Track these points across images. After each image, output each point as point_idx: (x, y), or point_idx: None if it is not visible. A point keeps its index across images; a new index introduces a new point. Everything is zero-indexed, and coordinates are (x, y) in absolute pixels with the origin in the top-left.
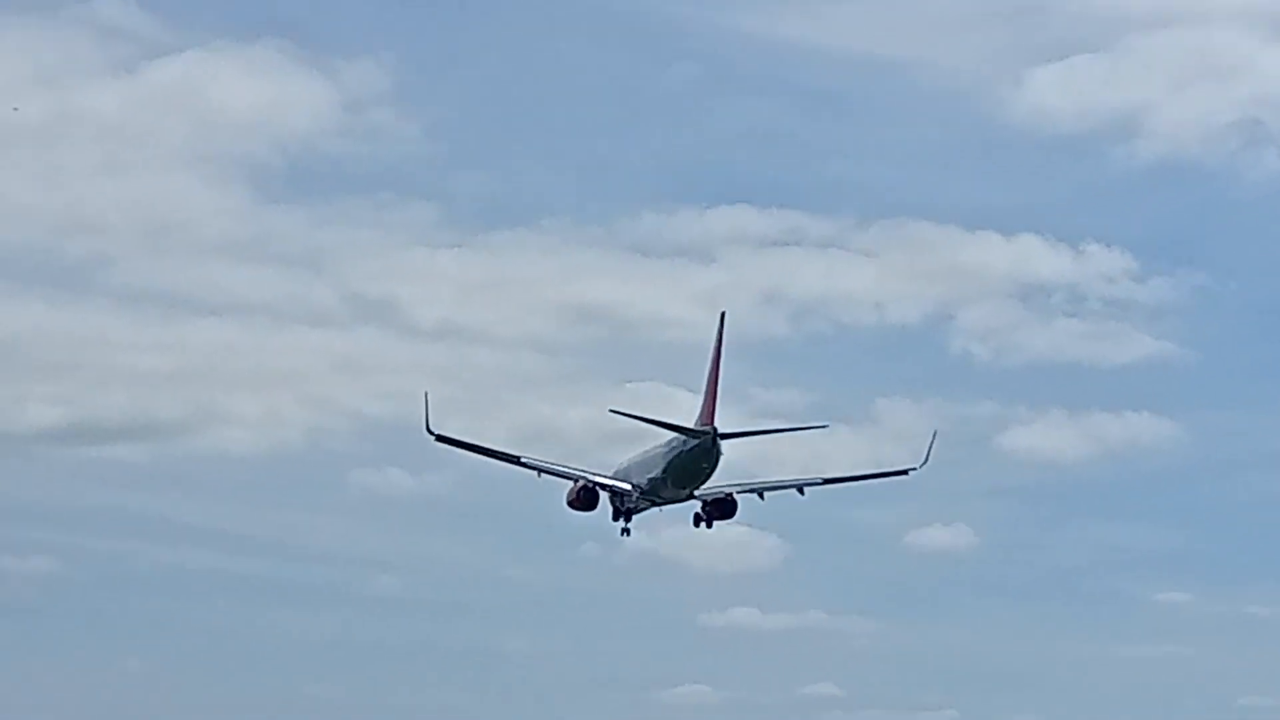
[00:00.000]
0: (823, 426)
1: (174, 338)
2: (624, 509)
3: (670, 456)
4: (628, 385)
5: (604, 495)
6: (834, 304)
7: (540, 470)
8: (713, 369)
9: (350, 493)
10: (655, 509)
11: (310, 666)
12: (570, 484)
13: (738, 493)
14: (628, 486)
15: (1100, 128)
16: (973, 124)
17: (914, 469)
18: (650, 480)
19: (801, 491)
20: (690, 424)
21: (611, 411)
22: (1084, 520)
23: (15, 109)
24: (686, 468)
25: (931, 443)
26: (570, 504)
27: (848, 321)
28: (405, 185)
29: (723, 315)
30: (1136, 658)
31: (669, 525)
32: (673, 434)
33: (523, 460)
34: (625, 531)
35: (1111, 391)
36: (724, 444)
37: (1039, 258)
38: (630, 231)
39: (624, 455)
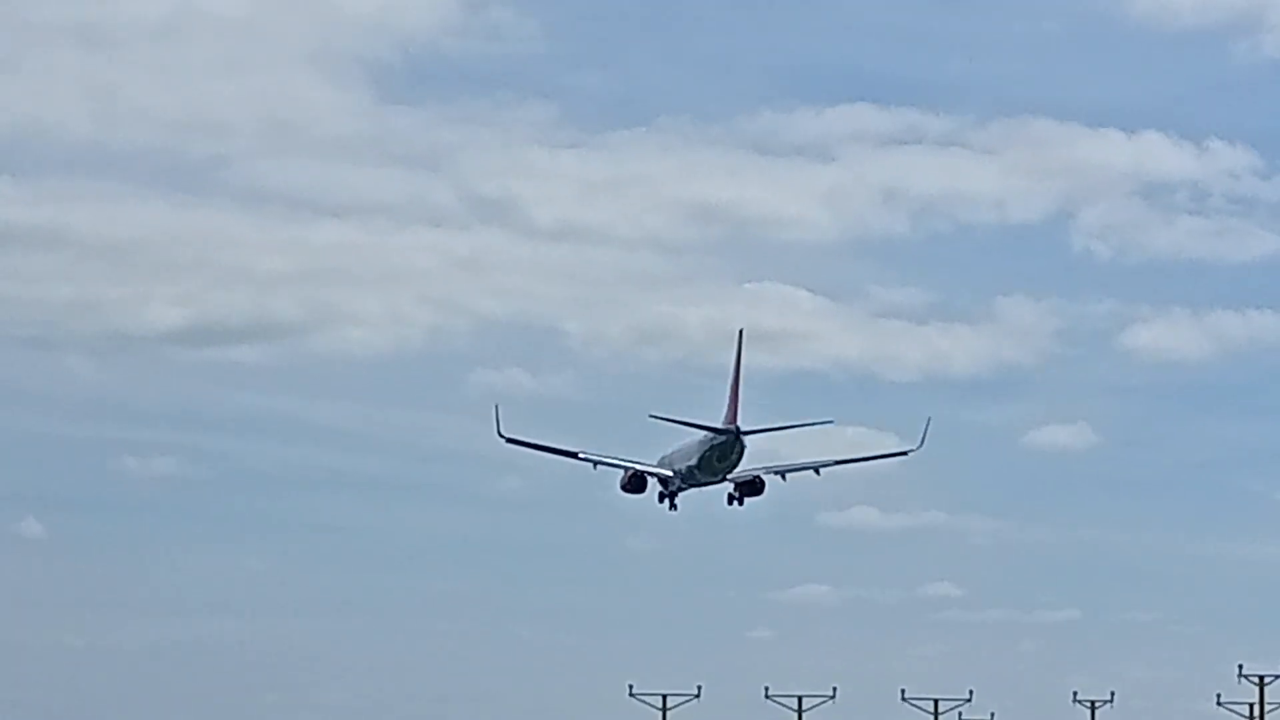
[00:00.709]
0: (828, 422)
1: (295, 238)
2: (667, 492)
3: (703, 450)
4: (746, 285)
5: (651, 480)
6: (954, 202)
7: (596, 463)
8: (734, 378)
9: (470, 392)
10: (694, 489)
11: (432, 565)
12: (622, 472)
13: (764, 474)
14: (669, 473)
15: (1223, 22)
16: (1095, 19)
17: (912, 450)
18: (688, 468)
19: (818, 472)
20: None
21: (651, 417)
22: (1205, 418)
23: None
24: (717, 459)
25: (926, 427)
26: (623, 488)
27: (968, 220)
28: (524, 84)
29: (740, 333)
30: (1257, 556)
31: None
32: (705, 432)
33: (580, 455)
34: (673, 507)
35: (1234, 289)
36: (747, 439)
37: (1161, 154)
38: (749, 130)
39: (668, 447)
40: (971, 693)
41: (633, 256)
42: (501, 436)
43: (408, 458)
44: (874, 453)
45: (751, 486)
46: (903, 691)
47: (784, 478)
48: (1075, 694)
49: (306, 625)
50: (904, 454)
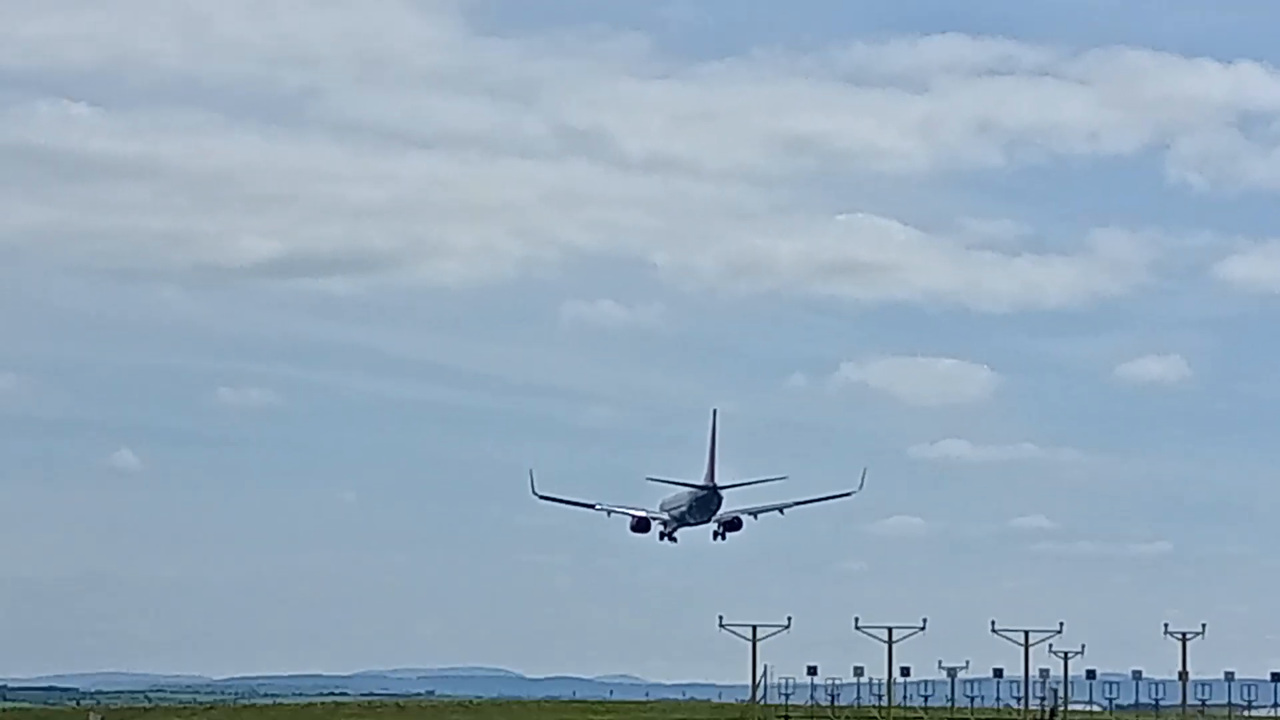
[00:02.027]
0: (783, 478)
1: (386, 170)
2: (666, 531)
3: (691, 499)
4: (838, 217)
5: (654, 523)
6: (1048, 133)
7: (610, 511)
8: (711, 445)
9: (562, 324)
10: (688, 527)
11: (523, 497)
12: (630, 517)
13: (742, 514)
14: (666, 516)
15: None
16: None
17: (852, 493)
18: (681, 513)
19: (782, 511)
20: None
21: (649, 480)
22: None
23: None
24: (702, 506)
25: (863, 476)
26: (631, 529)
27: (1061, 151)
28: (616, 16)
29: (715, 411)
30: None
31: (877, 358)
32: (692, 487)
33: (596, 506)
34: (673, 540)
35: None
36: (724, 492)
37: (1258, 85)
38: (842, 61)
39: (665, 496)
40: (1062, 624)
41: (724, 188)
42: (536, 495)
43: (499, 389)
44: (823, 495)
45: (732, 524)
46: (993, 623)
47: (755, 517)
48: (1166, 626)
49: (399, 557)
50: (847, 495)
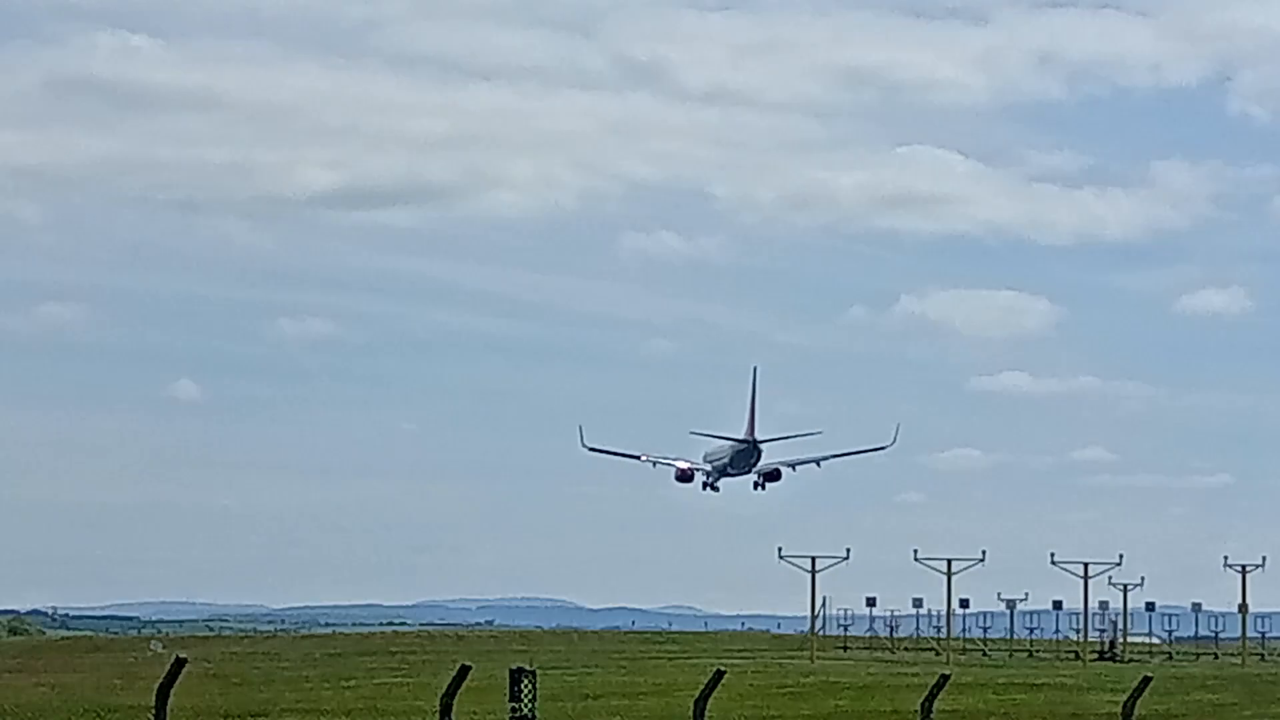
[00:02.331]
0: (818, 433)
1: (447, 101)
2: (708, 482)
3: (733, 452)
4: (898, 149)
5: (697, 474)
6: (1109, 65)
7: (655, 462)
8: (751, 404)
9: (621, 256)
10: (729, 477)
11: (581, 426)
12: (674, 467)
13: (781, 466)
14: (709, 468)
15: None
16: None
17: (886, 447)
18: (723, 464)
19: (819, 464)
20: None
21: (692, 434)
22: None
23: None
24: (742, 459)
25: (896, 431)
26: (676, 479)
27: (1123, 83)
28: None
29: (755, 369)
30: None
31: (937, 291)
32: (734, 441)
33: (642, 457)
34: (715, 490)
35: None
36: (764, 446)
37: None
38: None
39: (708, 448)
40: (1121, 556)
41: (784, 120)
42: (585, 447)
43: (558, 321)
44: (858, 448)
45: (771, 475)
46: (1052, 555)
47: (794, 469)
48: (1226, 559)
49: (459, 487)
50: (881, 449)
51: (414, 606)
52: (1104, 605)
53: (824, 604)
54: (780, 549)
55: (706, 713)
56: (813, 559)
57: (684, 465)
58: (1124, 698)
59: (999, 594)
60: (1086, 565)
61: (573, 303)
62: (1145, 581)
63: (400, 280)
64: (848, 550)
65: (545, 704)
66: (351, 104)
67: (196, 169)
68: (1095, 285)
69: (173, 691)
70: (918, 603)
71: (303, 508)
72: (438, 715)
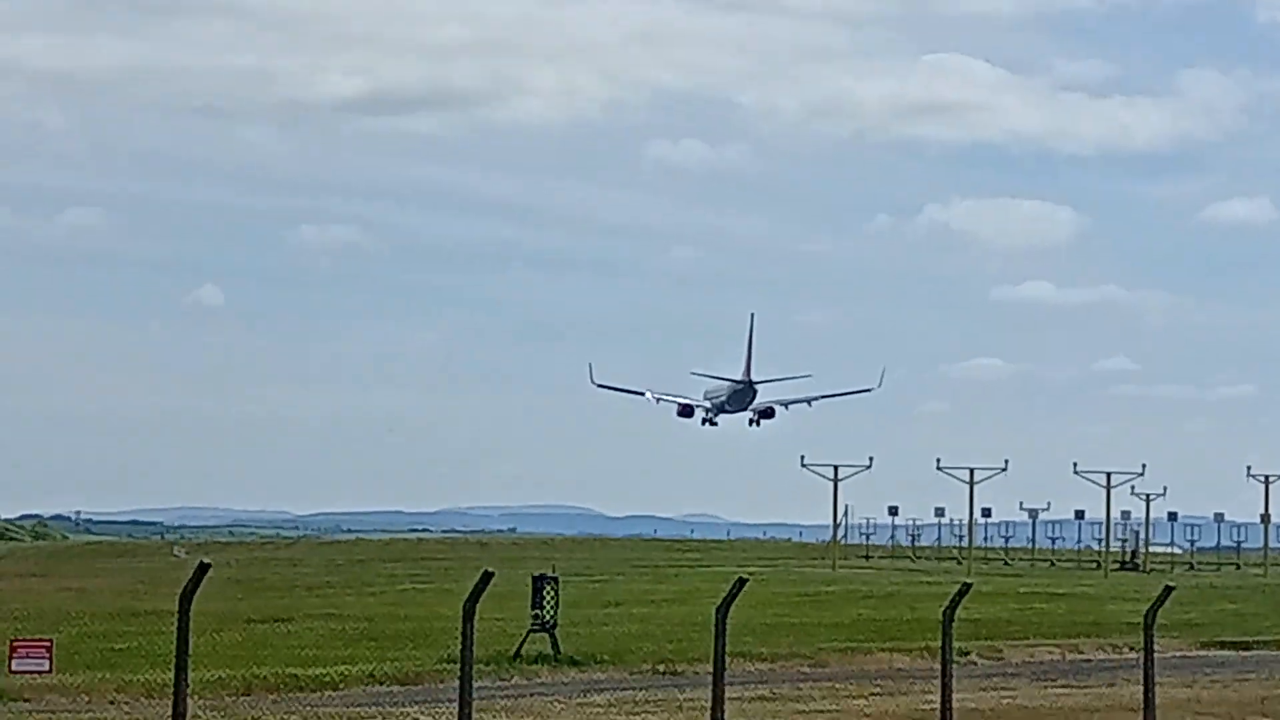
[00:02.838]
0: (807, 376)
1: (472, 8)
2: (706, 418)
3: (730, 391)
4: (925, 58)
5: (697, 410)
6: None
7: (658, 398)
8: (748, 348)
9: (645, 164)
10: (726, 414)
11: (602, 337)
12: (675, 404)
13: (775, 405)
14: (709, 404)
15: None
16: None
17: (872, 389)
18: (720, 402)
19: (810, 404)
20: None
21: (693, 374)
22: None
23: None
24: (739, 398)
25: (882, 375)
26: (677, 414)
27: None
28: None
29: (752, 316)
30: None
31: (961, 200)
32: (731, 382)
33: (646, 394)
34: (713, 424)
35: None
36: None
37: None
38: None
39: (707, 387)
40: (1144, 466)
41: (810, 28)
42: (594, 383)
43: (582, 230)
44: (845, 390)
45: (766, 413)
46: (1075, 464)
47: (787, 407)
48: (1249, 469)
49: (481, 394)
50: (867, 391)
51: (437, 514)
52: (1126, 515)
53: (846, 513)
54: (803, 458)
55: (729, 620)
56: (835, 468)
57: (684, 402)
58: (1145, 607)
59: (1021, 503)
60: (1109, 475)
61: (597, 211)
62: (1168, 491)
63: (423, 188)
64: (870, 459)
65: (567, 610)
66: (375, 10)
67: (219, 75)
68: (1120, 195)
69: (196, 596)
70: (940, 512)
71: (326, 415)
72: (460, 621)
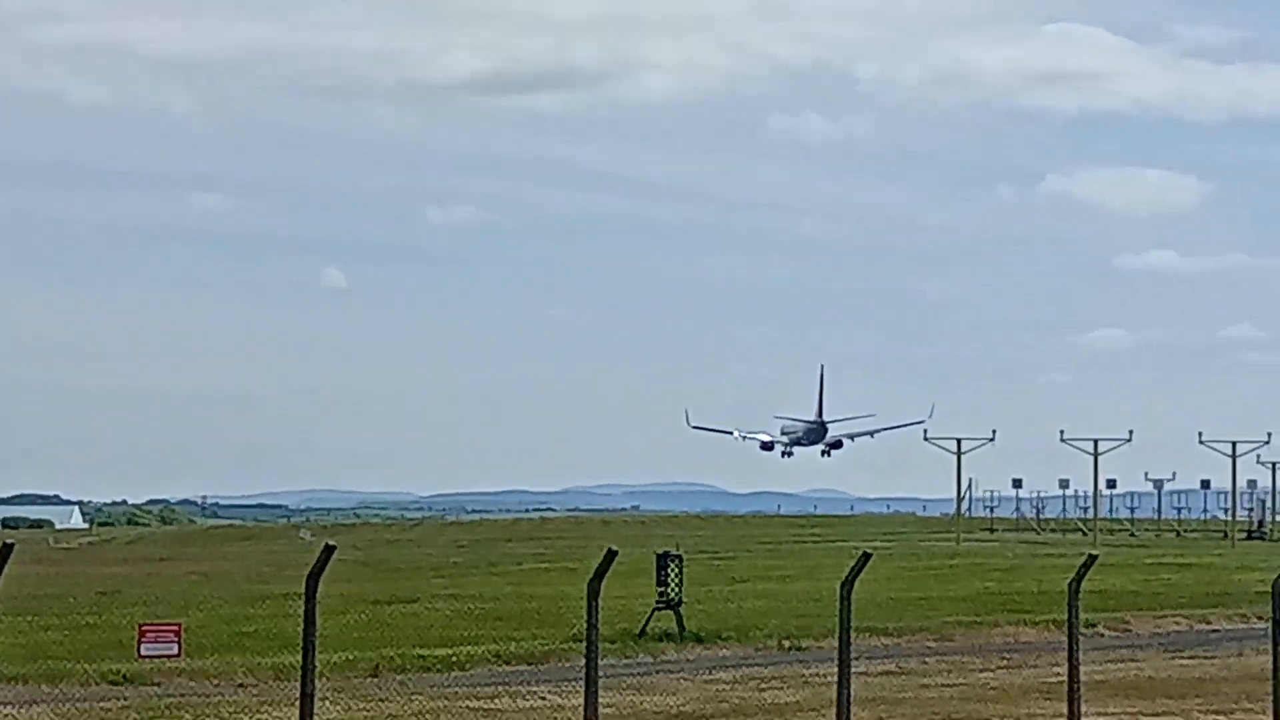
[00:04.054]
0: (871, 415)
1: None
2: (785, 451)
3: (805, 429)
4: (1046, 27)
5: (777, 445)
6: None
7: (744, 436)
8: (820, 389)
9: (768, 137)
10: (800, 447)
11: (732, 310)
12: (757, 440)
13: (843, 437)
14: (786, 440)
15: None
16: None
17: (924, 421)
18: (797, 438)
19: (872, 436)
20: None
21: (776, 417)
22: None
23: None
24: (813, 435)
25: (931, 410)
26: (760, 448)
27: None
28: None
29: (822, 366)
30: None
31: (1084, 169)
32: (807, 422)
33: (734, 433)
34: (790, 455)
35: None
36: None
37: None
38: None
39: (785, 424)
40: (1270, 435)
41: None
42: (690, 426)
43: (706, 204)
44: (903, 423)
45: (835, 445)
46: (1200, 434)
47: (853, 439)
48: None
49: (605, 372)
50: (920, 423)
51: (560, 493)
52: (1252, 484)
53: (970, 486)
54: (926, 431)
55: (853, 595)
56: (958, 440)
57: (765, 438)
58: (1273, 576)
59: (1146, 474)
60: (1234, 444)
61: (719, 185)
62: None
63: (547, 165)
64: (993, 431)
65: (692, 588)
66: None
67: (344, 56)
68: (1246, 161)
69: (322, 579)
70: (1064, 484)
71: (449, 395)
72: (585, 600)
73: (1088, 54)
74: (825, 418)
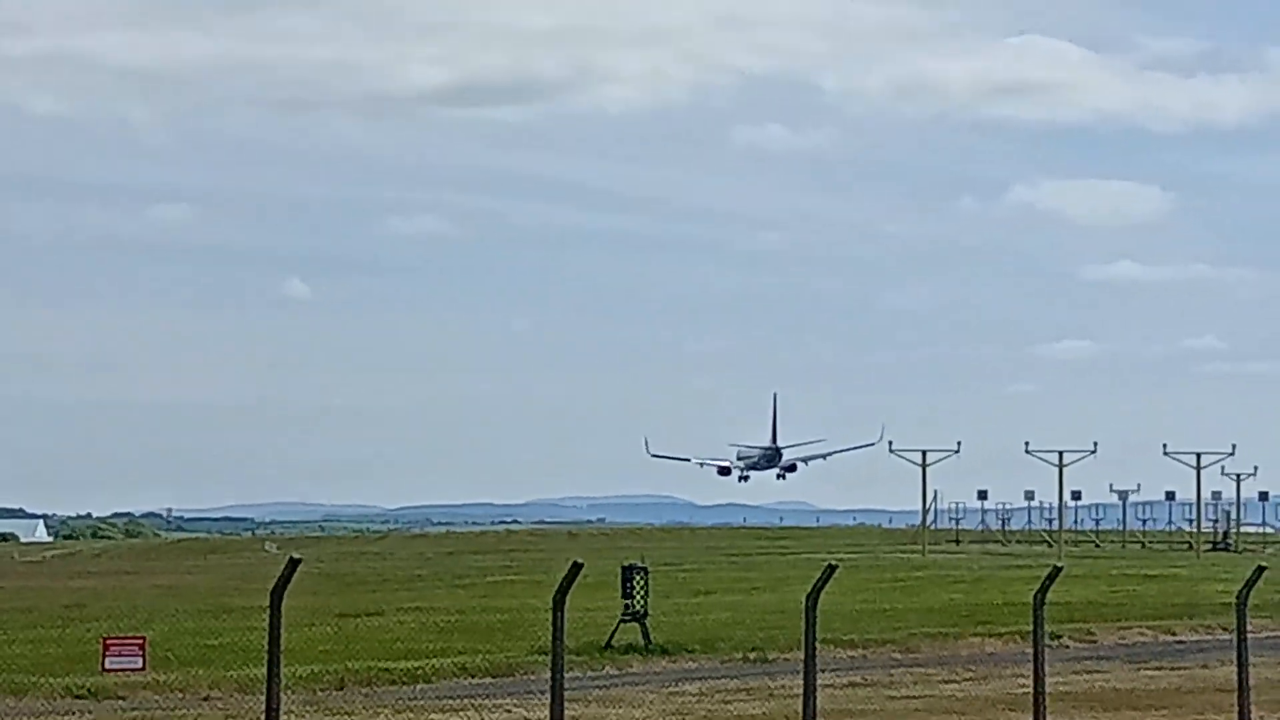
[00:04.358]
0: (822, 440)
1: None
2: (742, 475)
3: (760, 455)
4: (1009, 39)
5: (734, 469)
6: None
7: (701, 463)
8: (774, 416)
9: (731, 149)
10: (757, 471)
11: (692, 321)
12: (715, 466)
13: (797, 461)
14: (742, 465)
15: None
16: None
17: (874, 444)
18: (753, 463)
19: (825, 458)
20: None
21: (730, 445)
22: None
23: None
24: (768, 459)
25: (882, 431)
26: (718, 473)
27: None
28: None
29: (775, 395)
30: None
31: (1047, 180)
32: (762, 448)
33: (691, 459)
34: (745, 479)
35: None
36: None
37: None
38: None
39: (741, 450)
40: (1234, 446)
41: (893, 9)
42: (650, 454)
43: (669, 215)
44: (852, 445)
45: (790, 468)
46: (1164, 445)
47: (807, 463)
48: None
49: (569, 383)
50: (871, 445)
51: (525, 505)
52: (1217, 495)
53: (935, 498)
54: (890, 443)
55: (819, 607)
56: (923, 452)
57: (723, 464)
58: (1238, 588)
59: (1111, 485)
60: (1199, 455)
61: (683, 196)
62: (1258, 471)
63: (509, 176)
64: (959, 443)
65: (658, 600)
66: None
67: (305, 68)
68: (1208, 172)
69: (287, 592)
70: (1029, 495)
71: (414, 406)
72: (551, 612)
73: (1051, 65)
74: (780, 443)
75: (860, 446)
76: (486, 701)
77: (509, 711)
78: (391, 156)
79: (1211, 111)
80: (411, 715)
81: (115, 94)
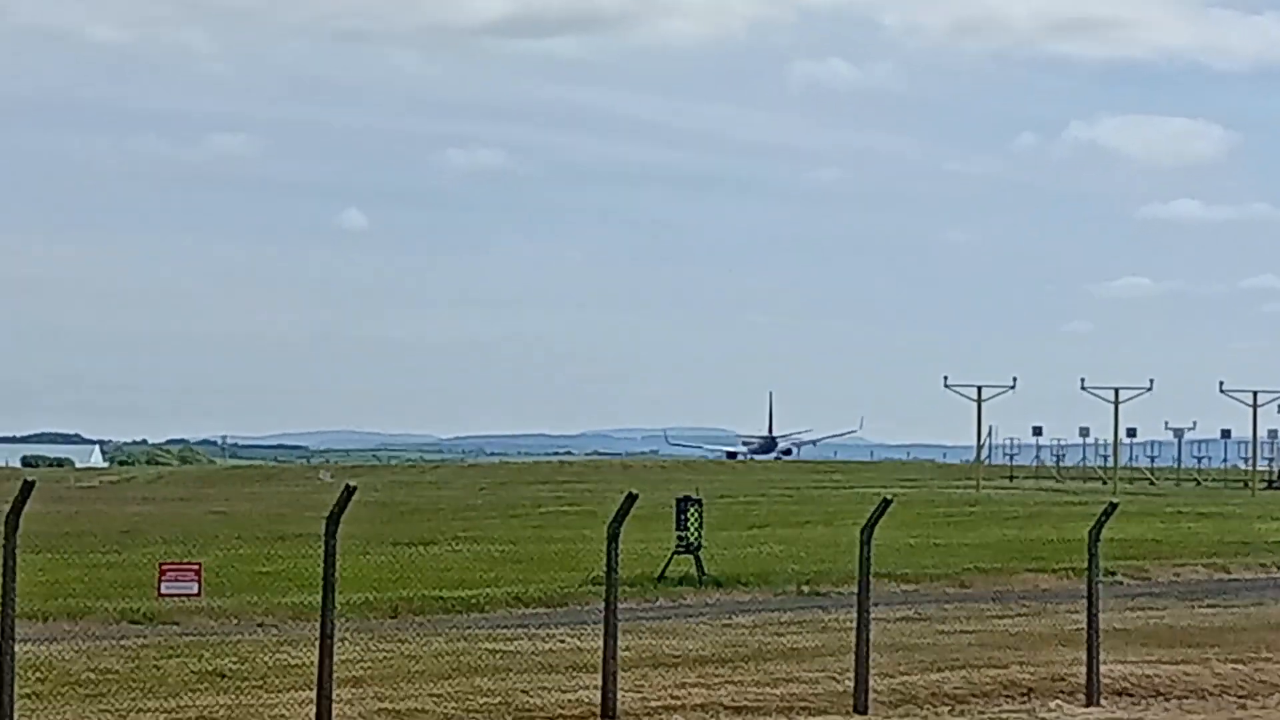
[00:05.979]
0: (808, 430)
1: None
2: (746, 458)
3: (760, 442)
4: None
5: (739, 454)
6: None
7: (710, 451)
8: (769, 410)
9: (790, 85)
10: (759, 455)
11: (747, 258)
12: (725, 452)
13: (792, 445)
14: (746, 450)
15: None
16: None
17: (855, 430)
18: (756, 449)
19: (815, 444)
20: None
21: (738, 436)
22: None
23: None
24: (767, 446)
25: (860, 421)
26: (726, 457)
27: None
28: None
29: (770, 393)
30: None
31: (1108, 117)
32: (761, 438)
33: (700, 448)
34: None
35: None
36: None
37: None
38: None
39: (745, 438)
40: None
41: None
42: (669, 442)
43: (727, 151)
44: (836, 432)
45: (786, 452)
46: (1221, 383)
47: (799, 448)
48: None
49: (624, 317)
50: (852, 431)
51: (580, 436)
52: (1273, 434)
53: (990, 433)
54: (946, 378)
55: (873, 541)
56: (979, 388)
57: (730, 450)
58: None
59: (1166, 423)
60: (1255, 394)
61: (742, 132)
62: None
63: (568, 110)
64: (1014, 379)
65: (711, 533)
66: None
67: None
68: (1272, 111)
69: (342, 520)
70: (1084, 432)
71: (469, 338)
72: (605, 543)
73: (1114, 2)
74: (774, 433)
75: (845, 433)
76: (540, 631)
77: (562, 641)
78: (451, 89)
79: (1276, 50)
80: (465, 644)
81: (177, 20)
